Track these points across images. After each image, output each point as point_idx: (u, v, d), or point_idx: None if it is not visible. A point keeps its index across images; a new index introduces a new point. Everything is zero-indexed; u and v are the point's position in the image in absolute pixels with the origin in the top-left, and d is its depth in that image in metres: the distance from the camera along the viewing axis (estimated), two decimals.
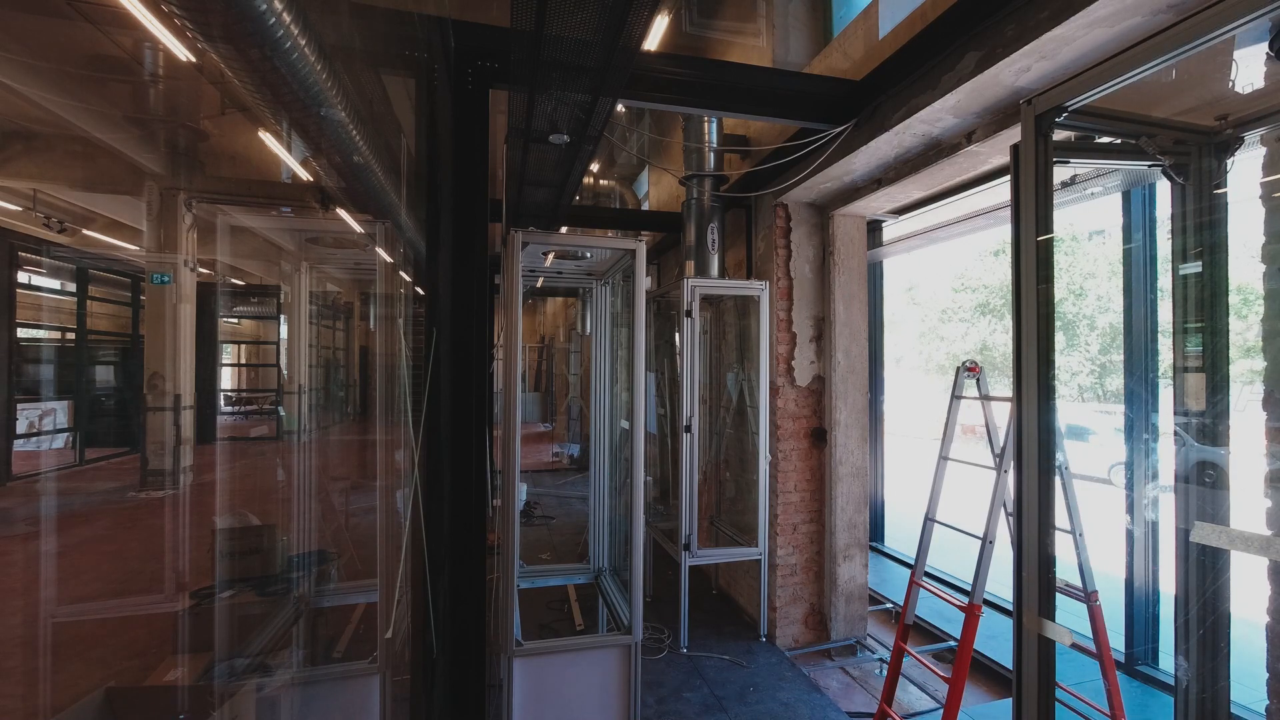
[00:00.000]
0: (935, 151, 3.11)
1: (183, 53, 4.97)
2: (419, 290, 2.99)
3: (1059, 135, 1.82)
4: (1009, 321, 1.79)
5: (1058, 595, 2.35)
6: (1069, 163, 2.33)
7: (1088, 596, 2.45)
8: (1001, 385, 2.75)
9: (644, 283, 2.93)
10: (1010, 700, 2.86)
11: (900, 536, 6.19)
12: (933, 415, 17.99)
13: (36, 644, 3.82)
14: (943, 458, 3.04)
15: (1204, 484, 1.95)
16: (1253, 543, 1.77)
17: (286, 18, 2.45)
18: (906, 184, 3.45)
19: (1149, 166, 2.04)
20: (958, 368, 3.01)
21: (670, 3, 4.42)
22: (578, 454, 9.84)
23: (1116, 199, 3.36)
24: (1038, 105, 1.75)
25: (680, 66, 3.02)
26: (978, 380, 2.95)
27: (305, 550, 4.01)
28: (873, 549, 5.39)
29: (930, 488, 3.04)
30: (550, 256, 4.86)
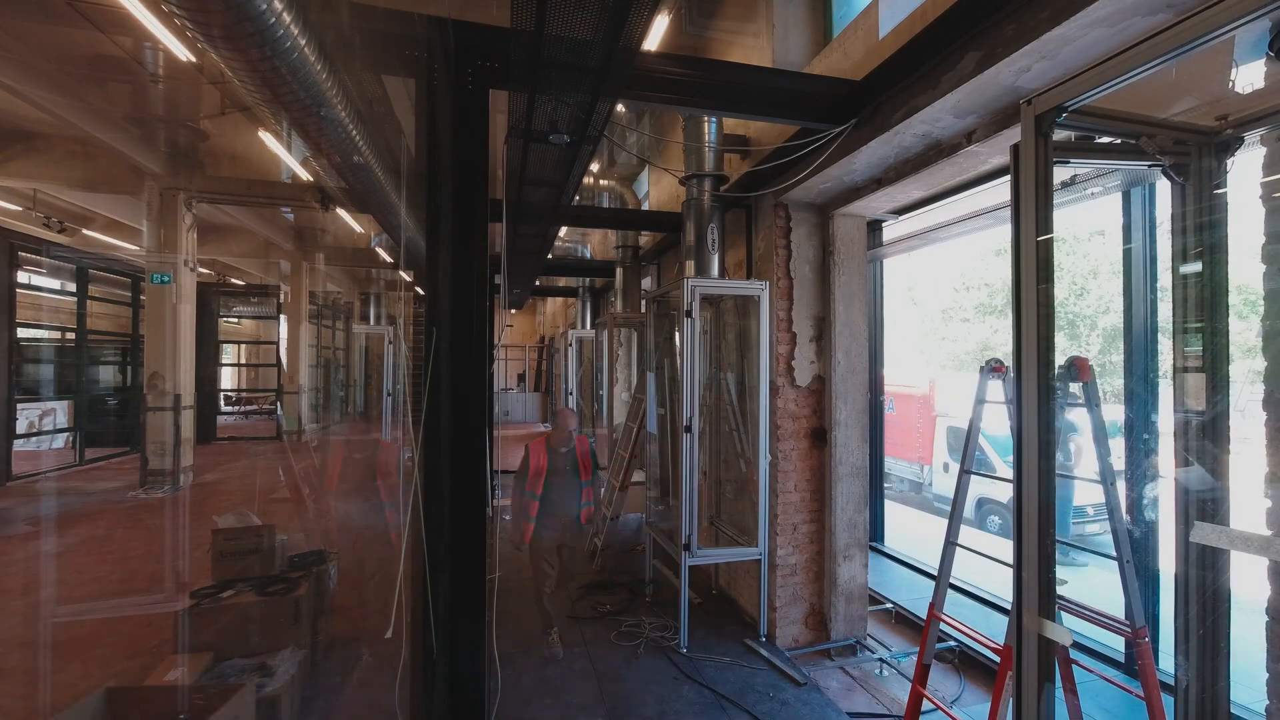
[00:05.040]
0: (935, 151, 3.11)
1: (183, 53, 4.98)
2: (419, 290, 2.99)
3: (1059, 135, 1.82)
4: (1009, 321, 1.78)
5: (1091, 624, 2.26)
6: (1069, 163, 2.33)
7: (1135, 633, 2.14)
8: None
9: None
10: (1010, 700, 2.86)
11: (900, 536, 6.19)
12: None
13: (36, 644, 3.82)
14: (965, 471, 2.66)
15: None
16: (1253, 543, 1.77)
17: (286, 18, 2.46)
18: (907, 184, 3.45)
19: (1149, 166, 2.03)
20: (981, 367, 2.65)
21: (670, 3, 4.42)
22: None
23: (1116, 199, 3.36)
24: (1038, 105, 1.75)
25: (680, 66, 3.02)
26: (1004, 381, 2.59)
27: (305, 549, 4.01)
28: (873, 549, 5.38)
29: (950, 505, 2.69)
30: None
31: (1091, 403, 2.31)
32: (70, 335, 9.42)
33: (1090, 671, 2.74)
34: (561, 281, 11.46)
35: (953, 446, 9.58)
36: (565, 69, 2.26)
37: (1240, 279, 2.09)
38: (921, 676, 2.78)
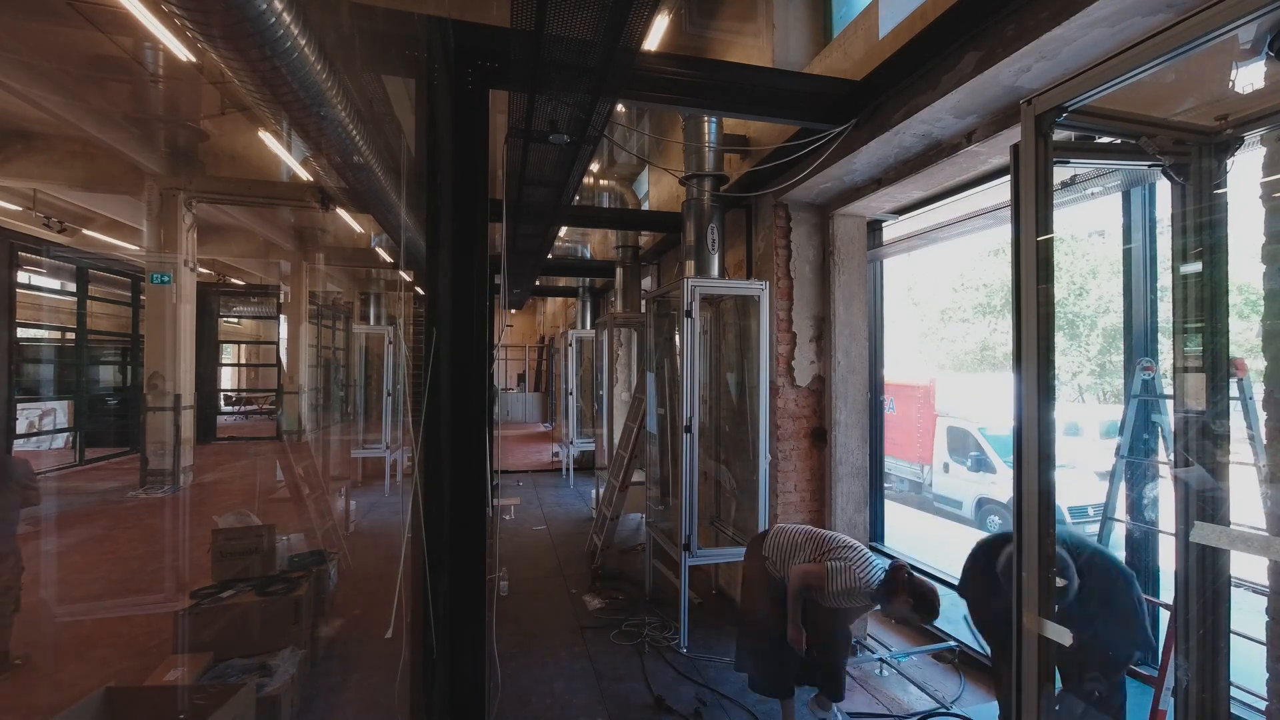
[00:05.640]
0: (935, 151, 3.11)
1: (183, 53, 4.99)
2: (419, 290, 2.99)
3: (1059, 135, 1.82)
4: (1009, 322, 1.79)
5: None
6: (1069, 163, 2.33)
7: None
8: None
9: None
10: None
11: (900, 536, 6.19)
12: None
13: (36, 644, 3.82)
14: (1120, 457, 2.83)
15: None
16: (1253, 543, 1.77)
17: (286, 18, 2.46)
18: (906, 184, 3.45)
19: (1149, 166, 2.03)
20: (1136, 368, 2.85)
21: (670, 3, 4.42)
22: (578, 454, 9.79)
23: (1116, 199, 3.36)
24: (1038, 105, 1.75)
25: (680, 66, 3.02)
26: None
27: (304, 550, 4.01)
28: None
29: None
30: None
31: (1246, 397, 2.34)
32: (70, 335, 9.41)
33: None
34: (561, 281, 11.46)
35: (953, 447, 9.58)
36: (565, 69, 2.27)
37: (1240, 279, 2.10)
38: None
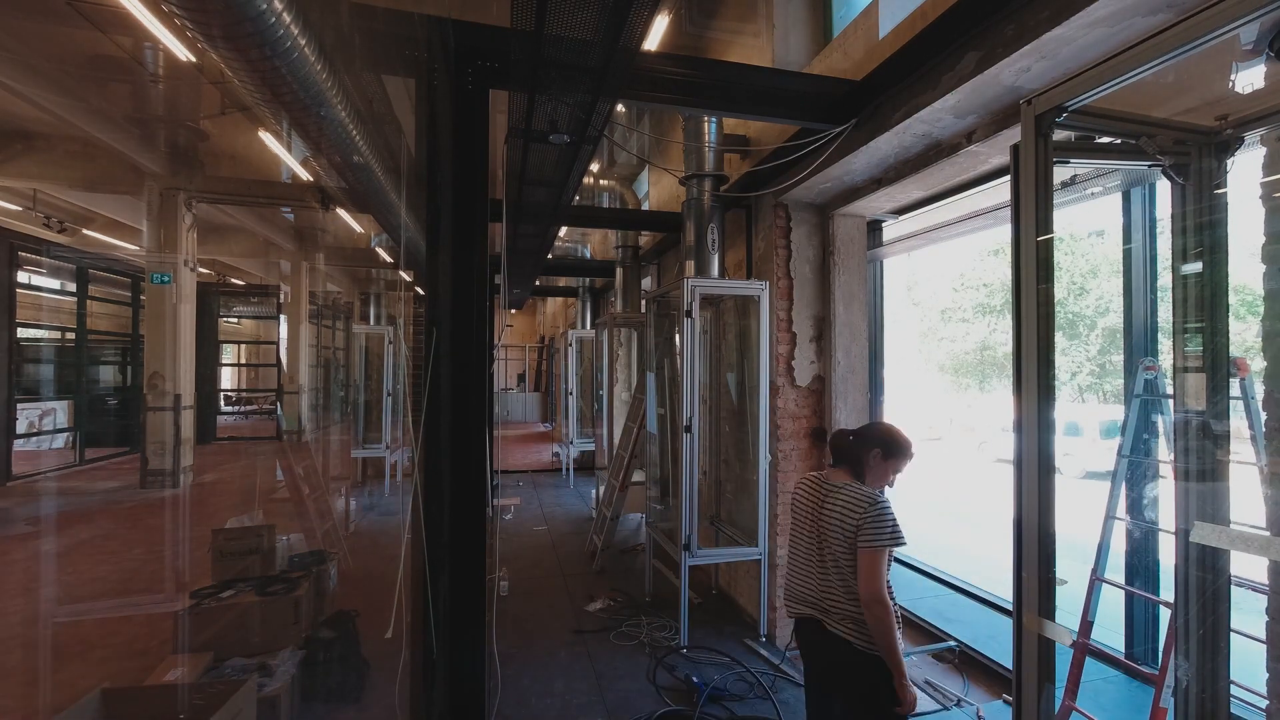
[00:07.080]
0: (935, 151, 3.11)
1: (183, 53, 4.98)
2: (419, 290, 2.99)
3: (1059, 135, 1.82)
4: (1009, 321, 1.80)
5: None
6: (1069, 163, 2.33)
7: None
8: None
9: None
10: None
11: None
12: (931, 415, 18.01)
13: (36, 644, 3.82)
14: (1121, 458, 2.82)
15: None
16: (1253, 543, 1.77)
17: (286, 18, 2.46)
18: (906, 184, 3.45)
19: (1149, 166, 2.04)
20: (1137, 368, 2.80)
21: (670, 3, 4.42)
22: (578, 454, 9.77)
23: (1116, 199, 3.36)
24: (1038, 105, 1.75)
25: (680, 66, 3.02)
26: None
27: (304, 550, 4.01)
28: None
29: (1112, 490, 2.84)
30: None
31: (1249, 397, 2.28)
32: (70, 335, 9.42)
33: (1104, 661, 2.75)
34: (561, 281, 11.46)
35: None
36: (565, 69, 2.27)
37: (1239, 279, 2.09)
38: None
